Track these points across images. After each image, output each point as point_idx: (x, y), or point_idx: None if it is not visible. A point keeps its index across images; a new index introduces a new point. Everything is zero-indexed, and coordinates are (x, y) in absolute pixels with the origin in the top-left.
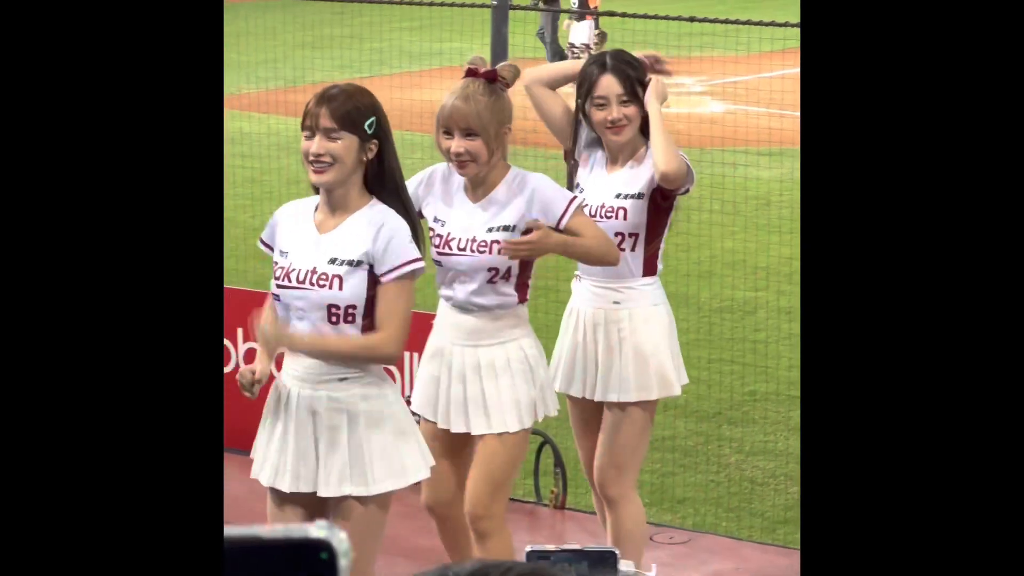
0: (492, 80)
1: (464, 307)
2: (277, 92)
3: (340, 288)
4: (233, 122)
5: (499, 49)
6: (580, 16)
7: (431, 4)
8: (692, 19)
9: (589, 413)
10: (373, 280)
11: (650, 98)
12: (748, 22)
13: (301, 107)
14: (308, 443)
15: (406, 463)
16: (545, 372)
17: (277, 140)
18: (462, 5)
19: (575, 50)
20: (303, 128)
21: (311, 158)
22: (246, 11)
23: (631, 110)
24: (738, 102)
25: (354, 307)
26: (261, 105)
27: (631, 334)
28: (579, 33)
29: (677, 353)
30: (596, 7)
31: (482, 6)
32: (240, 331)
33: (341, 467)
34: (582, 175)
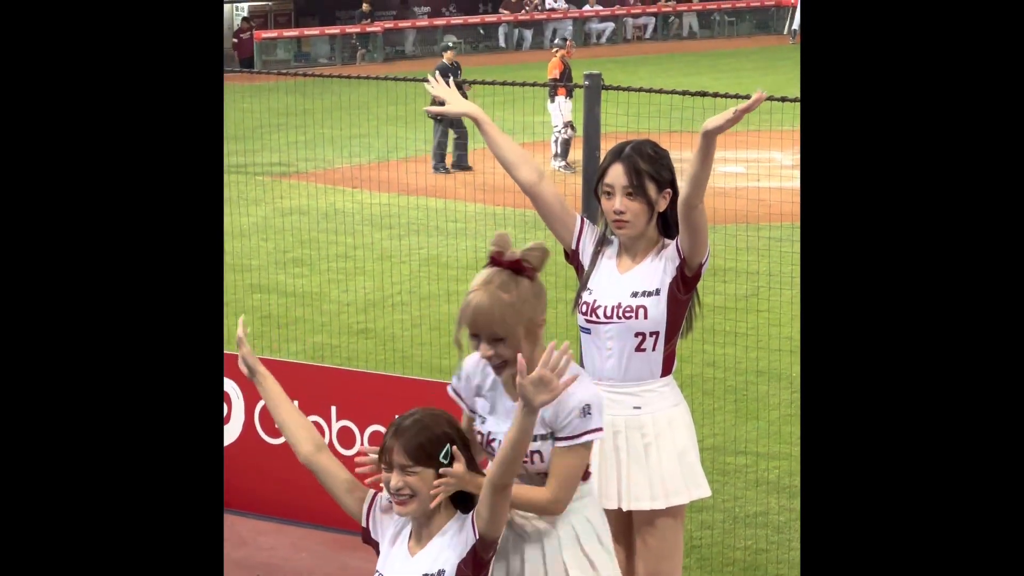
0: (517, 270)
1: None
2: (370, 167)
3: None
4: (326, 197)
5: (592, 129)
6: (552, 99)
7: (522, 85)
8: (784, 99)
9: (612, 523)
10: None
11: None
12: None
13: (393, 183)
14: None
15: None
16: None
17: (369, 215)
18: (553, 85)
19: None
20: (380, 461)
21: (392, 491)
22: (339, 86)
23: (635, 205)
24: None
25: None
26: (353, 180)
27: (656, 438)
28: (558, 111)
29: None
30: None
31: (576, 86)
32: (334, 408)
33: None
34: (594, 275)
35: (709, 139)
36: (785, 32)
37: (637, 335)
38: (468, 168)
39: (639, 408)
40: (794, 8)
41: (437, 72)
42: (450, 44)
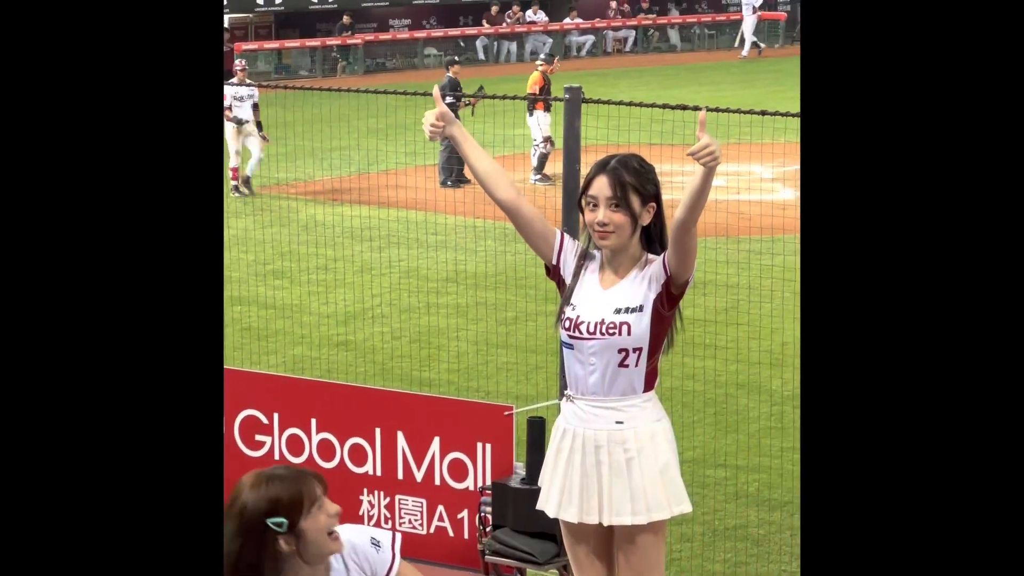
0: None
1: None
2: (350, 179)
3: None
4: (306, 209)
5: (572, 142)
6: (531, 112)
7: (503, 98)
8: (764, 112)
9: (593, 539)
10: None
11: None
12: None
13: (373, 194)
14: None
15: None
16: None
17: (349, 227)
18: (533, 98)
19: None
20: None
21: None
22: (319, 98)
23: (619, 216)
24: None
25: None
26: (333, 192)
27: (638, 453)
28: (537, 125)
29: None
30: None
31: (556, 99)
32: (314, 421)
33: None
34: (577, 290)
35: (711, 171)
36: (745, 52)
37: (620, 351)
38: (467, 181)
39: (621, 423)
40: (762, 22)
41: (441, 87)
42: (456, 59)
